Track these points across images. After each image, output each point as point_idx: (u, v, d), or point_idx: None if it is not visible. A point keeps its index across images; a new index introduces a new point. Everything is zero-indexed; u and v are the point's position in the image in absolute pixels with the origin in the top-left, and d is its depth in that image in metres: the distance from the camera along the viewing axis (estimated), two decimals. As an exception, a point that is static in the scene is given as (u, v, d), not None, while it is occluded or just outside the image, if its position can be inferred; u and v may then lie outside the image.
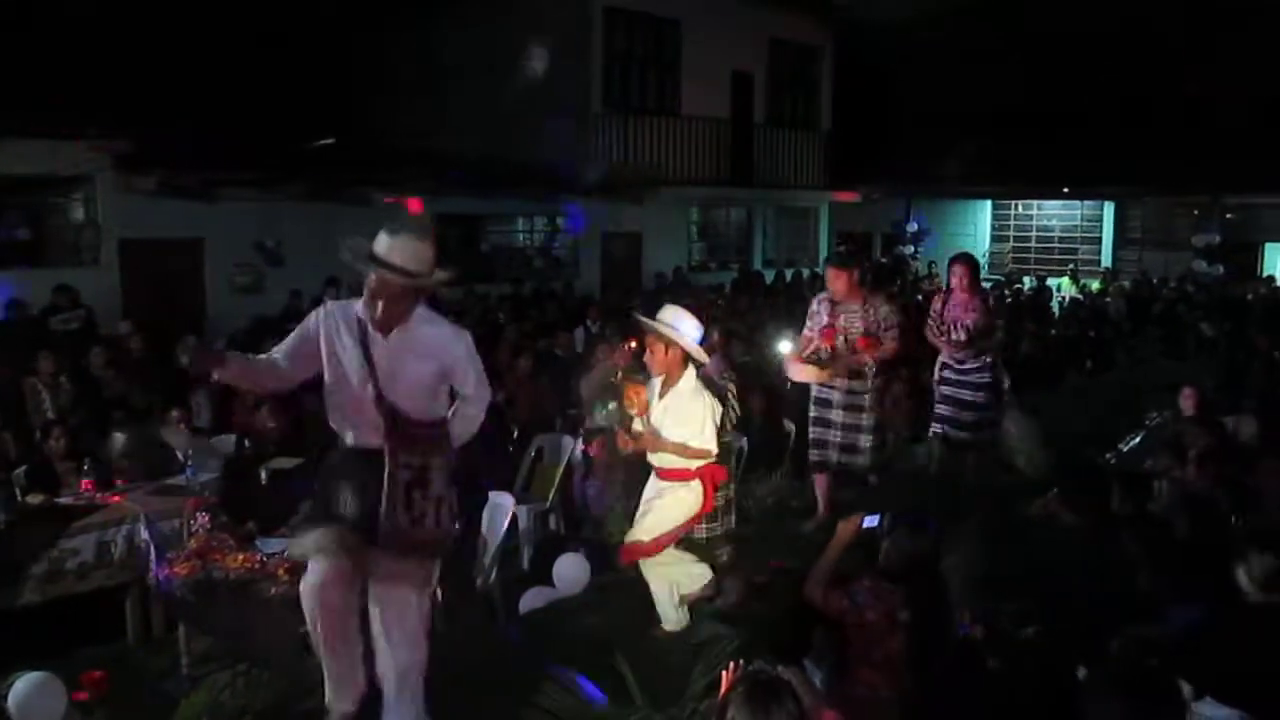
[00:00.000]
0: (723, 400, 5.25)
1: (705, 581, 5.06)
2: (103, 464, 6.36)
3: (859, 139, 19.41)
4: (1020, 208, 23.07)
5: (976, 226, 23.42)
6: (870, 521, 4.25)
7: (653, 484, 5.01)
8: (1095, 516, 4.66)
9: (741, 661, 3.02)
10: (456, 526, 4.00)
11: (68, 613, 5.28)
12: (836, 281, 6.25)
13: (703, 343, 4.96)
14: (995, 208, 23.27)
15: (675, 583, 5.00)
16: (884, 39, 18.89)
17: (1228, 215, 19.56)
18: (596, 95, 16.58)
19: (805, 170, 19.83)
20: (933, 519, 4.27)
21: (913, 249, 21.04)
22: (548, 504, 7.13)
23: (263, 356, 3.84)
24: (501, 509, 6.10)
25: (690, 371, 4.85)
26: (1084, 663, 3.45)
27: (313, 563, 3.75)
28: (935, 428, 7.06)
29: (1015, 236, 23.24)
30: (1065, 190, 21.07)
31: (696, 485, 4.86)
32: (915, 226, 21.23)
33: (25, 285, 10.92)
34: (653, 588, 5.00)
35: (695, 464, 4.83)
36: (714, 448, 4.85)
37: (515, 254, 17.04)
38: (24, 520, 5.57)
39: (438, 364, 3.74)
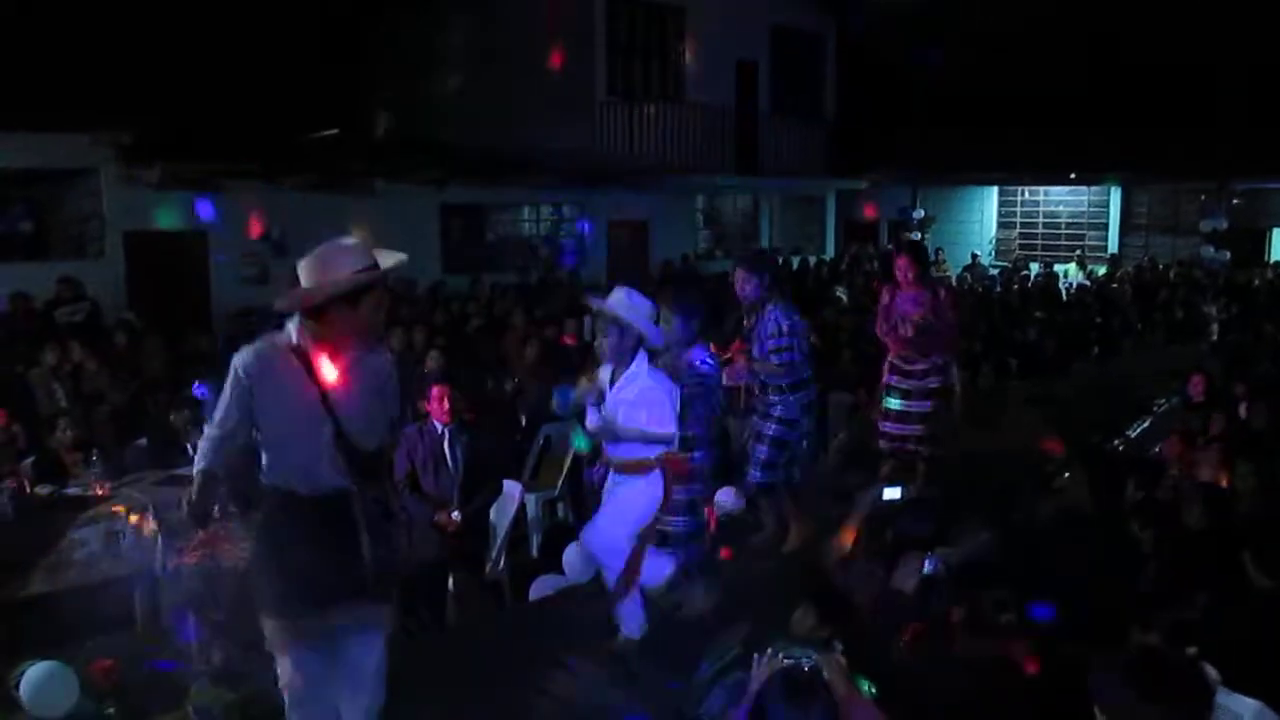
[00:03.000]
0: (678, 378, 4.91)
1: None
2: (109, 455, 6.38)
3: (864, 126, 19.35)
4: (1026, 194, 22.97)
5: (983, 213, 23.35)
6: (891, 495, 4.27)
7: (609, 478, 4.77)
8: (1111, 501, 4.65)
9: (778, 654, 3.01)
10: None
11: (77, 602, 5.30)
12: (741, 286, 5.69)
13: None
14: (1001, 194, 23.18)
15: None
16: (888, 25, 18.81)
17: (1235, 200, 19.47)
18: (600, 84, 16.54)
19: (810, 158, 19.76)
20: (934, 508, 4.28)
21: (919, 236, 21.00)
22: (556, 492, 7.14)
23: (220, 448, 3.41)
24: (510, 497, 6.11)
25: (642, 357, 4.59)
26: (1095, 649, 3.44)
27: (291, 653, 3.45)
28: (881, 444, 6.48)
29: (1022, 223, 23.16)
30: (1072, 176, 20.98)
31: (655, 476, 4.59)
32: (921, 214, 21.18)
33: (30, 278, 10.94)
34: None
35: (655, 452, 4.57)
36: (674, 430, 4.59)
37: (521, 243, 17.03)
38: (32, 511, 5.59)
39: (381, 391, 3.50)
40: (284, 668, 3.48)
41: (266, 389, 3.35)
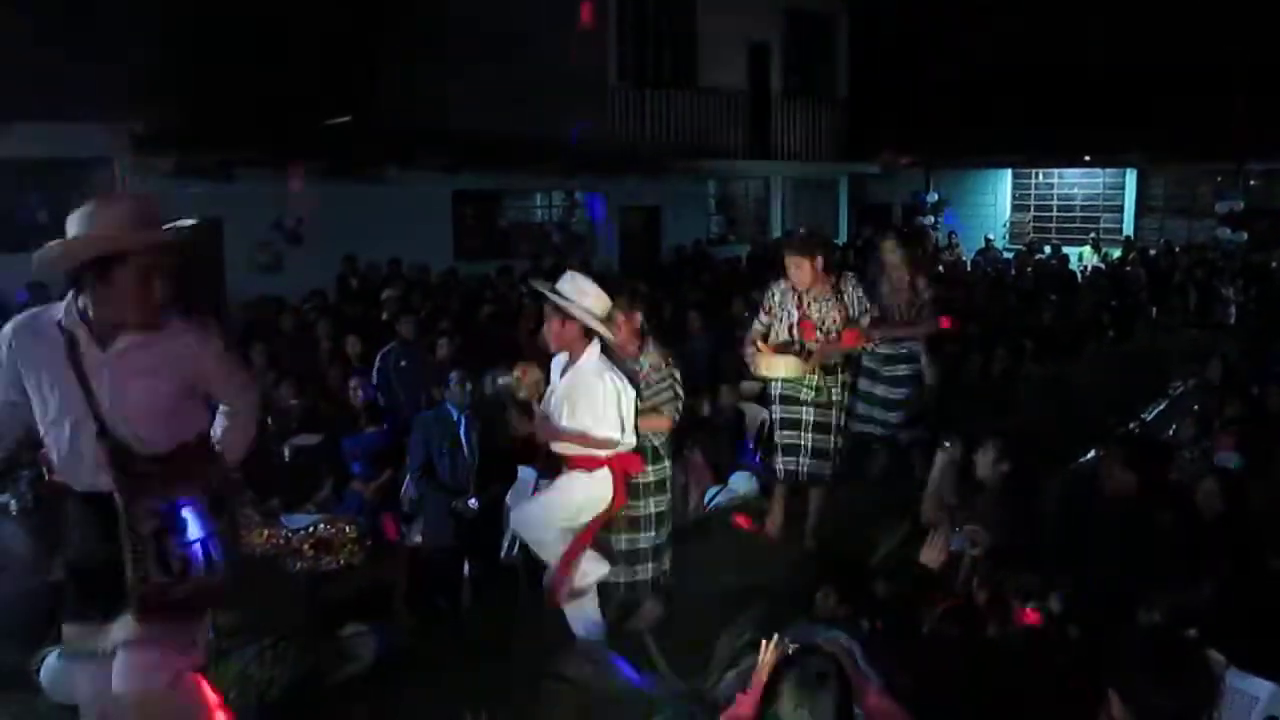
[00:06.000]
0: (634, 384, 4.51)
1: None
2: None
3: (877, 109, 19.25)
4: (1041, 176, 22.81)
5: (997, 196, 23.20)
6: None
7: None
8: (1151, 480, 4.63)
9: (787, 640, 3.02)
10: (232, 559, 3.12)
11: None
12: (799, 270, 5.48)
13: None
14: (1016, 177, 23.02)
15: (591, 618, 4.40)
16: (901, 7, 18.67)
17: (1251, 181, 19.30)
18: (612, 68, 16.48)
19: (823, 141, 19.69)
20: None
21: (933, 219, 20.89)
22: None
23: None
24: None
25: (594, 347, 4.27)
26: (1111, 631, 3.45)
27: (74, 665, 3.14)
28: (852, 425, 6.21)
29: (1036, 205, 23.00)
30: (1086, 158, 20.83)
31: (604, 474, 4.30)
32: (935, 197, 21.07)
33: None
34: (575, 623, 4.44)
35: (603, 452, 4.28)
36: (619, 435, 4.22)
37: (533, 229, 17.03)
38: (51, 499, 5.63)
39: (178, 380, 2.95)
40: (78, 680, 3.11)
41: (29, 369, 2.88)
